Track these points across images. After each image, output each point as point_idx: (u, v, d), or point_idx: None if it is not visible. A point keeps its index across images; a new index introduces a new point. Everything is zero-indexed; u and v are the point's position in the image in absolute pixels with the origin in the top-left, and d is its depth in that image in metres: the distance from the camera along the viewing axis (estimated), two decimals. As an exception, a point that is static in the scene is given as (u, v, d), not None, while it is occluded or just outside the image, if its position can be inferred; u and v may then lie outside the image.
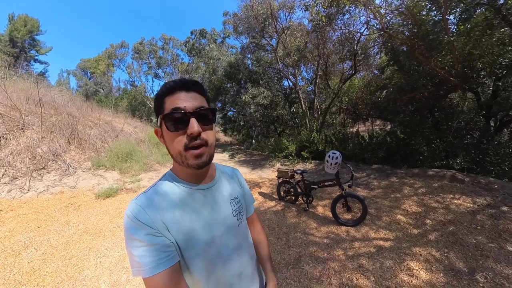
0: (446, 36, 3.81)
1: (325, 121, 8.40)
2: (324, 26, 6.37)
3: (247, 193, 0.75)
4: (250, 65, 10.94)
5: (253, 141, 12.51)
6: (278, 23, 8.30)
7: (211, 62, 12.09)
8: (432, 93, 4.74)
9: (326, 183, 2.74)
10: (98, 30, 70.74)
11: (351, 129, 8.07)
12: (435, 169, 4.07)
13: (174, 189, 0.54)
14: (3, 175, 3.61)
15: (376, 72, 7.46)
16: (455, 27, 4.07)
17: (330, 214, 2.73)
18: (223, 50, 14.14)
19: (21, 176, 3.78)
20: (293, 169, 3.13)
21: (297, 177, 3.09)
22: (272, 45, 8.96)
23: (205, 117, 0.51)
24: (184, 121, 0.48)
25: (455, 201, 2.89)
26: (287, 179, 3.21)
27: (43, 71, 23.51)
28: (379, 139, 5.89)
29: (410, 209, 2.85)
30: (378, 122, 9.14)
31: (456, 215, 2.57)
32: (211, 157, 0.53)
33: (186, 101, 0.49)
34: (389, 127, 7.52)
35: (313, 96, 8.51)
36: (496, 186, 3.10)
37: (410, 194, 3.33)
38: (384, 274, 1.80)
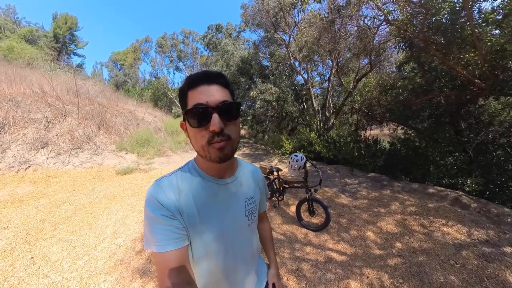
0: (468, 28, 3.06)
1: (340, 121, 7.89)
2: (333, 19, 6.06)
3: (264, 192, 0.76)
4: (264, 60, 10.81)
5: (266, 136, 12.27)
6: (291, 17, 8.12)
7: (225, 56, 12.41)
8: (456, 98, 4.12)
9: (296, 184, 2.74)
10: (127, 24, 76.28)
11: (363, 132, 7.55)
12: (438, 187, 3.59)
13: (193, 179, 0.55)
14: (50, 151, 4.69)
15: (394, 70, 6.76)
16: (482, 15, 3.35)
17: None
18: (239, 44, 14.30)
19: (63, 153, 4.84)
20: (271, 166, 3.16)
21: (275, 174, 3.10)
22: (284, 40, 8.79)
23: (229, 112, 0.49)
24: (206, 116, 0.47)
25: (444, 229, 2.42)
26: (266, 175, 3.16)
27: (80, 63, 27.02)
28: (384, 146, 5.28)
29: (385, 228, 2.51)
30: (392, 125, 8.25)
31: (435, 245, 2.15)
32: (233, 151, 0.53)
33: (208, 95, 0.48)
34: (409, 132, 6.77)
35: (327, 93, 8.15)
36: (509, 220, 2.49)
37: (396, 211, 2.94)
38: (318, 285, 1.68)
